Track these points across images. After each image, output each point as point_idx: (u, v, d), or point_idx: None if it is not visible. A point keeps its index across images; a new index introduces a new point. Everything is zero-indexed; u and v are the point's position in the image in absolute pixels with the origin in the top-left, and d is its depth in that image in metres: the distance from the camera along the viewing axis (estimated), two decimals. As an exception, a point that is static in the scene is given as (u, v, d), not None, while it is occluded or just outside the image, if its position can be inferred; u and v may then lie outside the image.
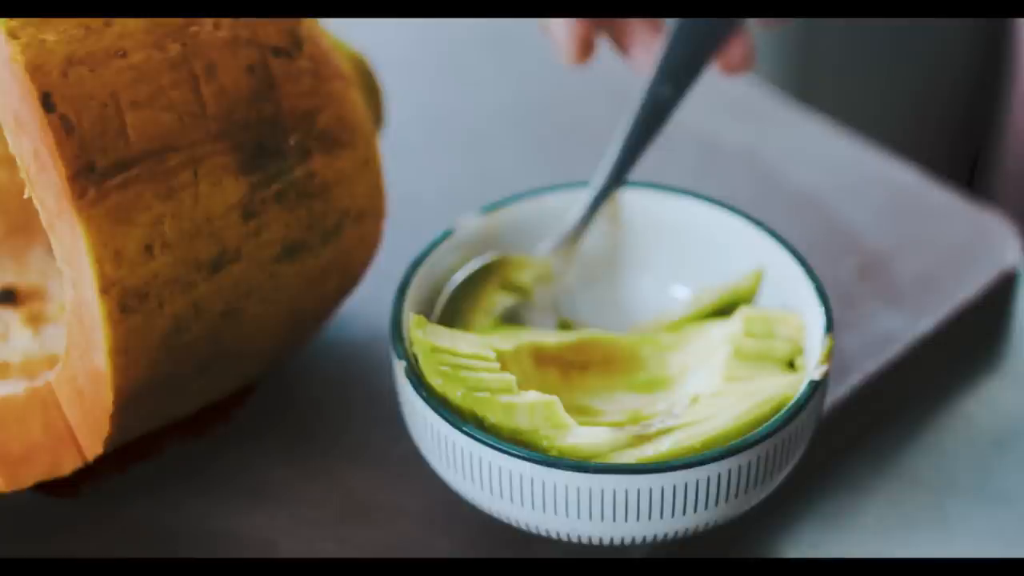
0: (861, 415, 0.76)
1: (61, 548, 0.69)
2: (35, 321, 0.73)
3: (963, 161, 1.26)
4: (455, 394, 0.64)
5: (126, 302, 0.61)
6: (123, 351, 0.62)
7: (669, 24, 0.74)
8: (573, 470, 0.62)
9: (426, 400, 0.64)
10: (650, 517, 0.62)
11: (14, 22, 0.61)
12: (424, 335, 0.66)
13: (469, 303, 0.71)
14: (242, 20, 0.65)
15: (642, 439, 0.64)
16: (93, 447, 0.64)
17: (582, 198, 0.72)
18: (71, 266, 0.61)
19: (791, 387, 0.65)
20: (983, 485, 0.75)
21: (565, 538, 0.64)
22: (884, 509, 0.74)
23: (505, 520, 0.65)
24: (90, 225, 0.60)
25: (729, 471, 0.62)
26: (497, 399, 0.64)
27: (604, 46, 0.77)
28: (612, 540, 0.64)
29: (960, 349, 0.80)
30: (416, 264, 0.69)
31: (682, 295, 0.73)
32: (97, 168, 0.60)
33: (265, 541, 0.69)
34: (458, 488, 0.66)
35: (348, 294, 0.71)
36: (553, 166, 0.85)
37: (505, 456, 0.62)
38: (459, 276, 0.71)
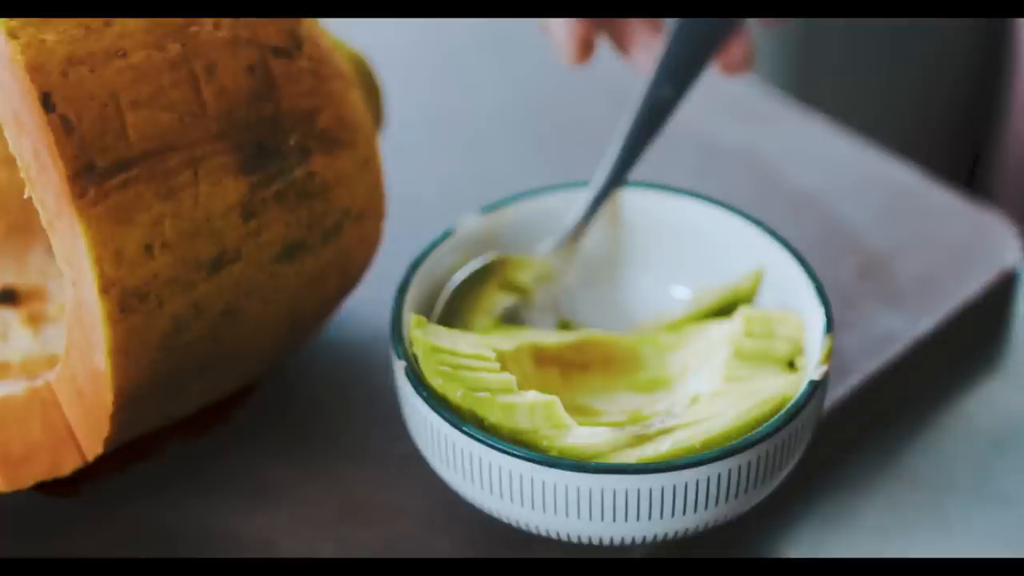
0: (861, 415, 0.76)
1: (61, 548, 0.69)
2: (35, 321, 0.73)
3: (963, 161, 1.26)
4: (455, 394, 0.64)
5: (126, 302, 0.61)
6: (123, 351, 0.62)
7: (669, 24, 0.74)
8: (573, 470, 0.62)
9: (426, 400, 0.64)
10: (650, 517, 0.62)
11: (14, 22, 0.61)
12: (424, 335, 0.66)
13: (469, 303, 0.71)
14: (242, 20, 0.65)
15: (642, 439, 0.64)
16: (93, 447, 0.64)
17: (582, 198, 0.72)
18: (71, 266, 0.61)
19: (791, 387, 0.65)
20: (983, 485, 0.75)
21: (565, 538, 0.64)
22: (884, 509, 0.74)
23: (505, 520, 0.65)
24: (90, 225, 0.60)
25: (729, 471, 0.62)
26: (497, 399, 0.64)
27: (604, 46, 0.77)
28: (612, 540, 0.64)
29: (960, 349, 0.80)
30: (416, 264, 0.69)
31: (682, 295, 0.73)
32: (97, 168, 0.60)
33: (265, 541, 0.69)
34: (458, 488, 0.66)
35: (348, 294, 0.71)
36: (553, 166, 0.85)
37: (505, 456, 0.62)
38: (459, 276, 0.71)
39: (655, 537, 0.64)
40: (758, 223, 0.71)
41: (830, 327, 0.66)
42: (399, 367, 0.66)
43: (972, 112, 1.26)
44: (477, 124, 0.89)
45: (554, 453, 0.63)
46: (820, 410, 0.66)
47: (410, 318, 0.67)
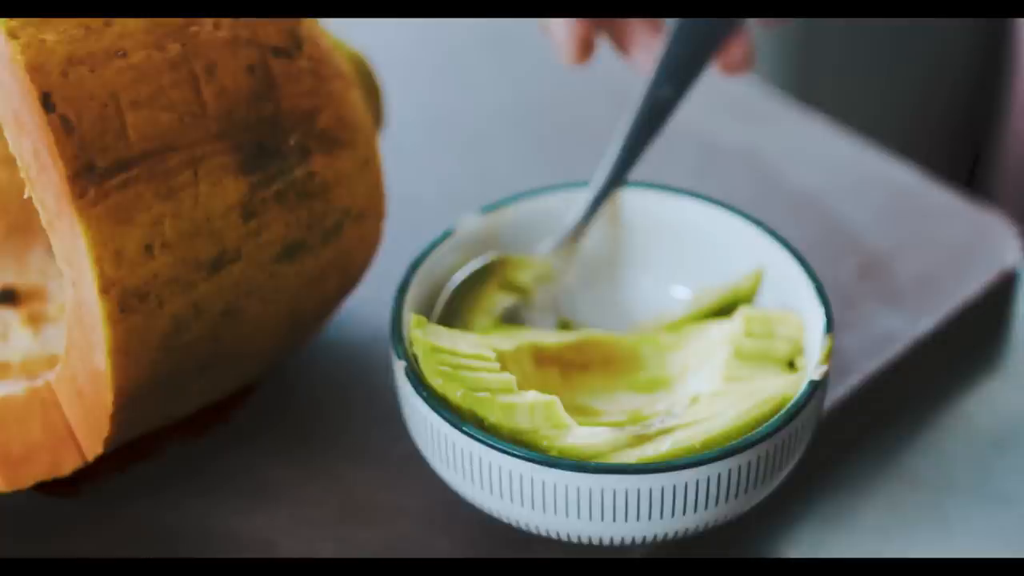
0: (861, 415, 0.76)
1: (61, 548, 0.69)
2: (35, 321, 0.73)
3: (963, 161, 1.26)
4: (455, 394, 0.64)
5: (126, 302, 0.61)
6: (123, 351, 0.62)
7: (669, 24, 0.74)
8: (573, 470, 0.62)
9: (426, 400, 0.64)
10: (650, 517, 0.62)
11: (14, 22, 0.61)
12: (424, 335, 0.66)
13: (469, 303, 0.71)
14: (242, 20, 0.65)
15: (642, 439, 0.64)
16: (93, 447, 0.64)
17: (582, 198, 0.72)
18: (71, 266, 0.61)
19: (791, 387, 0.65)
20: (983, 485, 0.75)
21: (565, 538, 0.64)
22: (884, 509, 0.74)
23: (505, 520, 0.65)
24: (90, 225, 0.60)
25: (729, 471, 0.62)
26: (497, 399, 0.64)
27: (604, 46, 0.77)
28: (612, 540, 0.64)
29: (960, 349, 0.80)
30: (416, 264, 0.69)
31: (682, 295, 0.73)
32: (97, 168, 0.60)
33: (265, 541, 0.69)
34: (458, 488, 0.66)
35: (348, 294, 0.71)
36: (553, 166, 0.85)
37: (505, 456, 0.62)
38: (459, 276, 0.71)
39: (655, 537, 0.64)
40: (758, 223, 0.71)
41: (830, 327, 0.66)
42: (399, 367, 0.66)
43: (972, 112, 1.26)
44: (477, 124, 0.89)
45: (554, 453, 0.63)
46: (820, 410, 0.66)
47: (410, 318, 0.67)
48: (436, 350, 0.65)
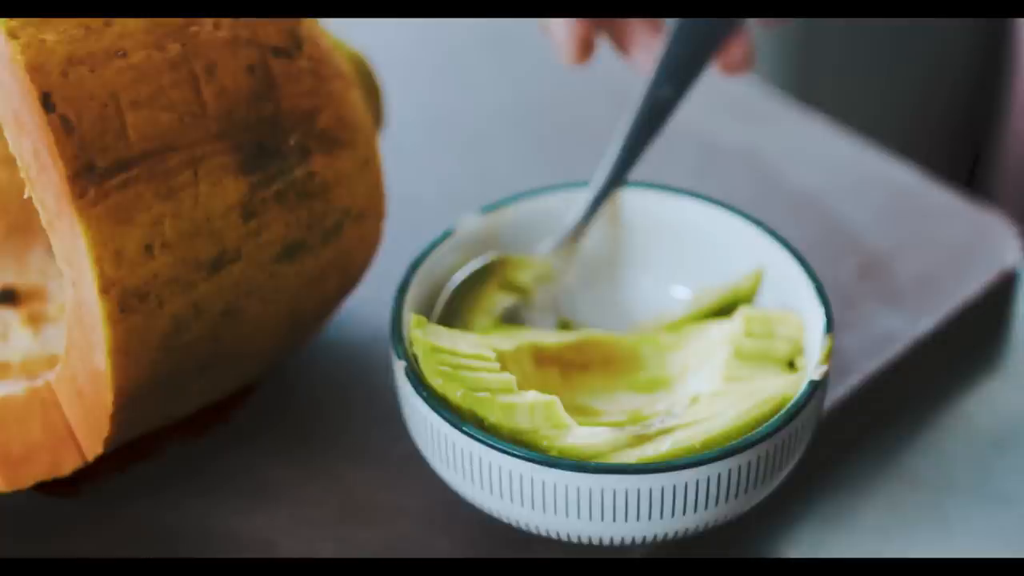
0: (861, 415, 0.76)
1: (61, 548, 0.69)
2: (35, 321, 0.73)
3: (963, 161, 1.26)
4: (455, 394, 0.64)
5: (126, 302, 0.61)
6: (123, 351, 0.62)
7: (669, 24, 0.74)
8: (573, 470, 0.62)
9: (426, 400, 0.64)
10: (650, 517, 0.62)
11: (14, 22, 0.61)
12: (424, 335, 0.66)
13: (469, 303, 0.71)
14: (242, 20, 0.65)
15: (642, 439, 0.64)
16: (93, 447, 0.64)
17: (582, 198, 0.72)
18: (71, 266, 0.61)
19: (791, 387, 0.65)
20: (983, 485, 0.75)
21: (565, 538, 0.64)
22: (884, 509, 0.74)
23: (505, 520, 0.65)
24: (90, 225, 0.60)
25: (729, 471, 0.62)
26: (497, 399, 0.64)
27: (604, 46, 0.77)
28: (612, 540, 0.64)
29: (960, 349, 0.80)
30: (416, 264, 0.69)
31: (682, 295, 0.73)
32: (97, 168, 0.60)
33: (265, 541, 0.69)
34: (458, 488, 0.66)
35: (348, 294, 0.71)
36: (553, 166, 0.85)
37: (505, 456, 0.62)
38: (459, 276, 0.71)
39: (655, 537, 0.64)
40: (758, 223, 0.71)
41: (830, 327, 0.66)
42: (399, 367, 0.66)
43: (972, 112, 1.26)
44: (477, 124, 0.89)
45: (554, 453, 0.63)
46: (820, 410, 0.66)
47: (410, 318, 0.67)
48: (436, 350, 0.65)
